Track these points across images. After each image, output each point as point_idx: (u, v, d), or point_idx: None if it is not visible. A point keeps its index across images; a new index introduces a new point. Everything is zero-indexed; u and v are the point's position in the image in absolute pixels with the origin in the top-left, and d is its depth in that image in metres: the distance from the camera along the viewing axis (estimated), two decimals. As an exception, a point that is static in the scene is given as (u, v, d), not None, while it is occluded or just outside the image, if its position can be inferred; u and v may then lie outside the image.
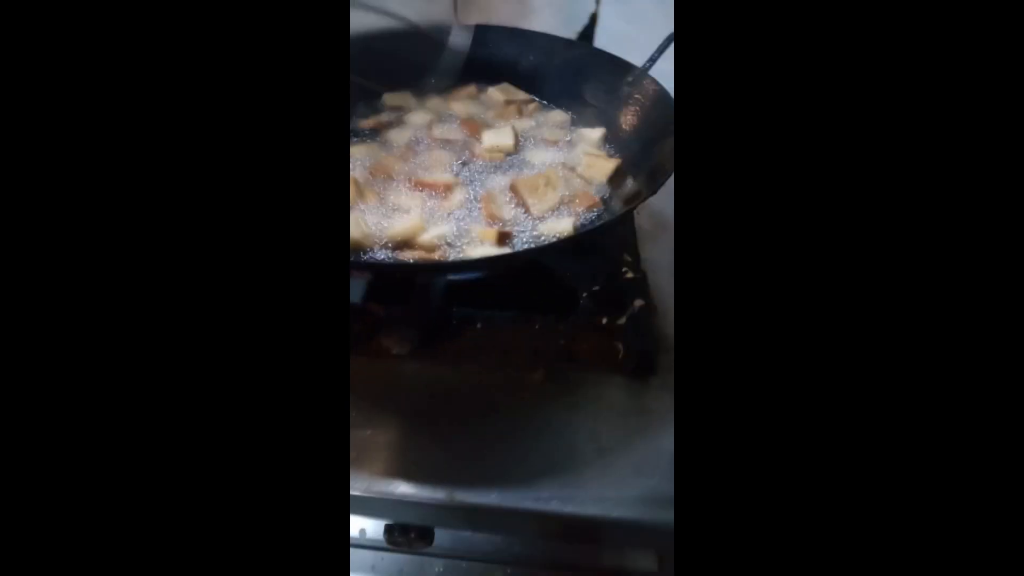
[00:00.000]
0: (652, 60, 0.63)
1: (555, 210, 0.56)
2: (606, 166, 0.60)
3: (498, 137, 0.64)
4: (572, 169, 0.61)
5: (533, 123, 0.68)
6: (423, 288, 0.55)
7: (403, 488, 0.45)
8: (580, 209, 0.56)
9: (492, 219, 0.55)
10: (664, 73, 0.63)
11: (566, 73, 0.70)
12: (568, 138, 0.66)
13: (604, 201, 0.57)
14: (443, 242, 0.53)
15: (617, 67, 0.66)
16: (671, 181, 0.50)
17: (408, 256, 0.52)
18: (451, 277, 0.54)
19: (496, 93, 0.71)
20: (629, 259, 0.62)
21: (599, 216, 0.56)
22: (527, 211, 0.56)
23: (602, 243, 0.62)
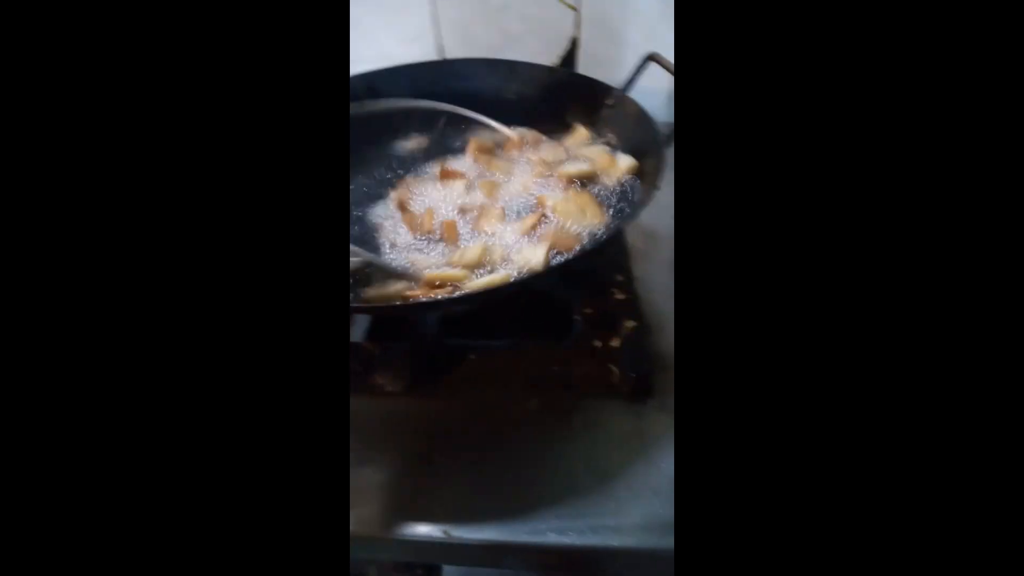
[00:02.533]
0: (630, 81, 0.63)
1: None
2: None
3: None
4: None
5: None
6: (417, 323, 0.55)
7: (404, 527, 0.45)
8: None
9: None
10: (642, 91, 0.64)
11: (549, 100, 0.71)
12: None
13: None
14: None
15: (598, 90, 0.66)
16: (660, 198, 0.50)
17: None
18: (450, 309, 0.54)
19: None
20: (621, 279, 0.62)
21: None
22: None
23: (593, 264, 0.62)
